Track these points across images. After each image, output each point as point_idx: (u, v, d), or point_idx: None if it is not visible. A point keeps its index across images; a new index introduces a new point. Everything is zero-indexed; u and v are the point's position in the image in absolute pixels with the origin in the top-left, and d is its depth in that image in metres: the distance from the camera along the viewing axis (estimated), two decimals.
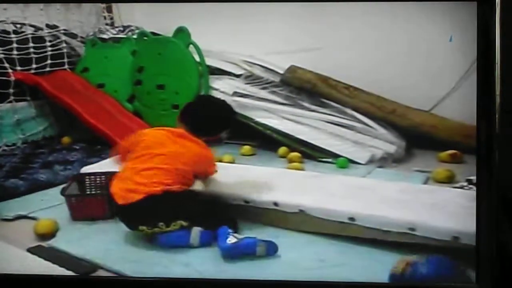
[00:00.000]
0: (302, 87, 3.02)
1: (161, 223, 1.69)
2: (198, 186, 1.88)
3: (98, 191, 2.10)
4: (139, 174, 1.74)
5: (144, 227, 1.70)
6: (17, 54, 2.99)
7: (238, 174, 2.16)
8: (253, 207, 1.87)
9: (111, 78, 3.20)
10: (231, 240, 1.62)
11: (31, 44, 3.06)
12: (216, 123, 1.91)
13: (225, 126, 1.99)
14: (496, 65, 1.41)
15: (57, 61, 3.18)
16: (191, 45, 2.99)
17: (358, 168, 2.58)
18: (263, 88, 3.03)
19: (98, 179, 2.13)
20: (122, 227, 1.77)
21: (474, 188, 1.67)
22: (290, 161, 2.64)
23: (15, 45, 2.99)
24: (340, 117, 2.86)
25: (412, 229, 1.60)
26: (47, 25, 3.22)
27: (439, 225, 1.57)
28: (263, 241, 1.63)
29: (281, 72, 3.10)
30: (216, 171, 1.94)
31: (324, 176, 2.23)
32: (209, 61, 3.06)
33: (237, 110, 2.86)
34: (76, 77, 3.21)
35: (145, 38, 3.15)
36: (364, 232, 1.68)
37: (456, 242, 1.53)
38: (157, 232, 1.70)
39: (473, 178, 2.02)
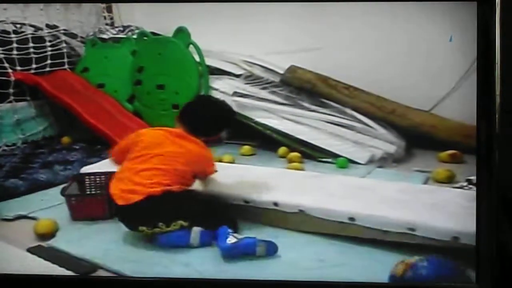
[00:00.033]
0: (302, 87, 3.02)
1: (161, 224, 1.69)
2: (198, 186, 1.88)
3: (98, 191, 2.09)
4: (138, 174, 1.74)
5: (144, 228, 1.70)
6: (17, 54, 2.99)
7: (238, 174, 2.16)
8: (253, 207, 1.87)
9: (111, 78, 3.20)
10: (231, 240, 1.62)
11: (31, 44, 3.06)
12: (215, 124, 1.91)
13: (224, 126, 1.99)
14: (496, 65, 1.41)
15: (57, 61, 3.18)
16: (191, 45, 2.99)
17: (358, 168, 2.58)
18: (263, 88, 3.03)
19: (98, 179, 2.13)
20: (122, 227, 1.77)
21: (474, 188, 1.67)
22: (290, 161, 2.64)
23: (15, 45, 2.99)
24: (340, 117, 2.86)
25: (412, 229, 1.60)
26: (47, 25, 3.22)
27: (439, 225, 1.57)
28: (263, 241, 1.63)
29: (281, 72, 3.10)
30: (216, 171, 1.94)
31: (324, 176, 2.23)
32: (209, 61, 3.06)
33: (237, 110, 2.87)
34: (76, 77, 3.21)
35: (145, 38, 3.15)
36: (364, 232, 1.68)
37: (456, 242, 1.53)
38: (157, 232, 1.70)
39: (473, 178, 2.03)
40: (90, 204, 1.96)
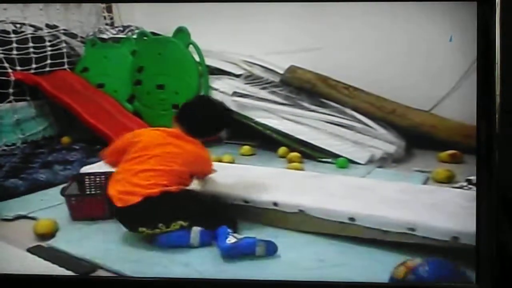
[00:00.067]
0: (302, 87, 3.02)
1: (160, 224, 1.69)
2: (197, 186, 1.88)
3: (98, 191, 2.09)
4: (136, 176, 1.73)
5: (144, 229, 1.70)
6: (17, 54, 2.99)
7: (237, 174, 2.16)
8: (253, 207, 1.87)
9: (111, 78, 3.20)
10: (231, 240, 1.62)
11: (30, 44, 3.06)
12: (212, 124, 1.90)
13: (221, 127, 1.99)
14: (496, 65, 1.41)
15: (56, 61, 3.18)
16: (191, 45, 2.99)
17: (357, 168, 2.58)
18: (263, 88, 3.03)
19: (97, 179, 2.13)
20: (122, 227, 1.77)
21: (474, 188, 1.67)
22: (290, 161, 2.64)
23: (14, 45, 2.99)
24: (340, 117, 2.86)
25: (412, 229, 1.60)
26: (47, 25, 3.22)
27: (439, 225, 1.57)
28: (263, 241, 1.63)
29: (281, 72, 3.10)
30: (214, 170, 1.93)
31: (324, 176, 2.23)
32: (209, 61, 3.06)
33: (237, 110, 2.87)
34: (75, 77, 3.21)
35: (145, 38, 3.15)
36: (364, 232, 1.68)
37: (455, 242, 1.53)
38: (157, 233, 1.70)
39: (473, 178, 2.03)
40: (90, 204, 1.95)
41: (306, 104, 2.94)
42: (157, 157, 1.75)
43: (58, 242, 1.76)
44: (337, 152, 2.68)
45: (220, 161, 2.53)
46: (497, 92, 1.41)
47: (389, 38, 2.80)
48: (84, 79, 3.20)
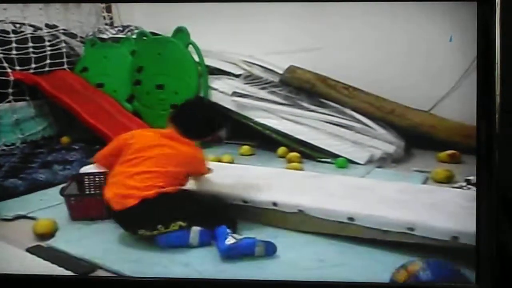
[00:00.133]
0: (301, 87, 3.02)
1: (159, 226, 1.69)
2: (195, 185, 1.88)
3: (97, 191, 2.08)
4: (131, 178, 1.73)
5: (143, 231, 1.70)
6: (16, 54, 3.00)
7: (237, 174, 2.16)
8: (252, 207, 1.87)
9: (111, 78, 3.20)
10: (230, 241, 1.62)
11: (30, 44, 3.07)
12: (206, 126, 1.90)
13: (215, 128, 1.98)
14: (496, 65, 1.41)
15: (56, 61, 3.18)
16: (190, 45, 2.99)
17: (357, 168, 2.58)
18: (262, 88, 3.03)
19: (97, 179, 2.13)
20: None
21: (473, 188, 1.67)
22: (289, 161, 2.64)
23: (14, 44, 2.99)
24: (339, 117, 2.86)
25: (411, 229, 1.60)
26: (47, 25, 3.22)
27: (438, 225, 1.57)
28: (262, 241, 1.63)
29: (280, 72, 3.10)
30: (210, 170, 1.93)
31: (323, 176, 2.23)
32: (208, 61, 3.06)
33: (236, 110, 2.87)
34: (75, 77, 3.21)
35: (145, 38, 3.15)
36: (364, 232, 1.68)
37: (455, 242, 1.53)
38: (156, 234, 1.70)
39: (472, 178, 2.03)
40: (89, 204, 1.95)
41: (305, 104, 2.94)
42: (152, 159, 1.75)
43: (57, 242, 1.76)
44: (336, 152, 2.68)
45: (219, 161, 2.54)
46: (497, 92, 1.41)
47: (389, 38, 2.80)
48: (84, 79, 3.20)
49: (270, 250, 1.63)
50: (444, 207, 1.73)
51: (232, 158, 2.65)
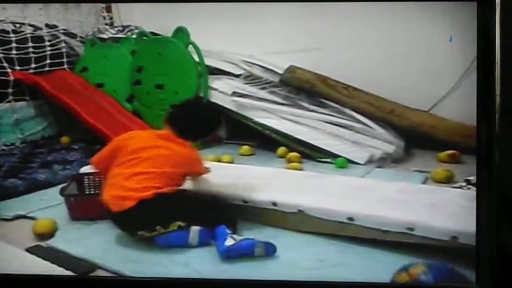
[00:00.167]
0: (301, 87, 3.02)
1: (158, 226, 1.68)
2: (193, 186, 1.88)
3: (97, 191, 2.08)
4: (128, 179, 1.73)
5: (142, 232, 1.70)
6: (16, 54, 2.99)
7: (237, 174, 2.16)
8: (252, 207, 1.87)
9: (110, 77, 3.20)
10: (229, 241, 1.62)
11: (30, 44, 3.06)
12: (202, 127, 1.90)
13: (211, 129, 1.98)
14: (496, 65, 1.41)
15: (56, 61, 3.18)
16: (190, 45, 2.99)
17: (357, 168, 2.58)
18: (262, 88, 3.03)
19: (97, 179, 2.12)
20: None
21: (473, 188, 1.66)
22: (289, 161, 2.64)
23: (14, 44, 2.99)
24: (339, 117, 2.86)
25: (411, 229, 1.60)
26: (47, 25, 3.22)
27: (438, 225, 1.57)
28: (262, 242, 1.63)
29: (280, 72, 3.10)
30: (208, 170, 1.93)
31: (323, 176, 2.23)
32: (208, 61, 3.06)
33: (236, 110, 2.87)
34: (75, 76, 3.21)
35: (145, 38, 3.14)
36: (363, 232, 1.68)
37: (455, 242, 1.53)
38: (155, 235, 1.69)
39: (472, 178, 2.03)
40: (89, 204, 1.95)
41: (305, 104, 2.94)
42: (149, 160, 1.75)
43: (57, 242, 1.76)
44: (336, 152, 2.68)
45: (219, 161, 2.54)
46: (497, 92, 1.41)
47: (389, 38, 2.80)
48: (84, 78, 3.20)
49: (270, 251, 1.63)
50: (444, 207, 1.73)
51: (232, 158, 2.65)
